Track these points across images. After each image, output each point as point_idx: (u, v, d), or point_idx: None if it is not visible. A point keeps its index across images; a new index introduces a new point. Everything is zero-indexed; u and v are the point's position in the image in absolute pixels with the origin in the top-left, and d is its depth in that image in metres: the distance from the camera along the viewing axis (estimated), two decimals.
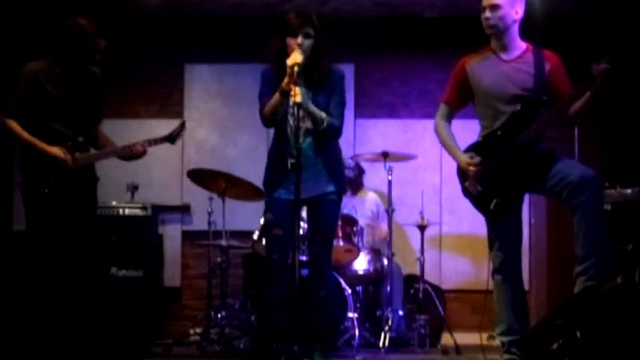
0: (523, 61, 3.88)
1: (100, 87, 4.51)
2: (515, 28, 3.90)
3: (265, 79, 4.01)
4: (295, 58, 3.74)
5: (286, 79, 3.77)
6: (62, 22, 4.40)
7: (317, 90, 3.98)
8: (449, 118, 4.11)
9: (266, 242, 4.16)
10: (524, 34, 3.96)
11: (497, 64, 3.91)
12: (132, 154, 4.42)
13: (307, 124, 3.95)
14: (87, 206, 4.42)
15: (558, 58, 3.91)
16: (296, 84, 3.72)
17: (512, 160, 3.80)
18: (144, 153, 4.47)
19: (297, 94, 3.68)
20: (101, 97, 4.53)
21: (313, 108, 3.92)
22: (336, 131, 4.01)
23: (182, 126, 4.57)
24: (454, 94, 4.06)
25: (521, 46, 3.92)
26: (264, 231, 4.16)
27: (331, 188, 4.02)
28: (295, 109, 3.76)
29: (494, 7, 3.82)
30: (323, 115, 3.93)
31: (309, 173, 3.88)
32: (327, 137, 3.99)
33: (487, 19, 3.85)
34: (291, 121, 3.94)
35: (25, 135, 4.23)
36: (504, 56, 3.91)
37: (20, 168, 4.31)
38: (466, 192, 3.98)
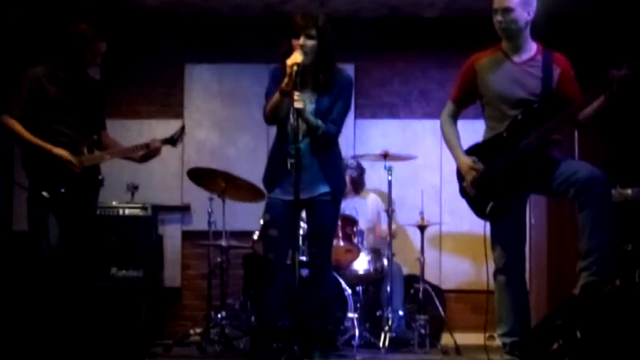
0: (533, 65, 3.85)
1: (101, 92, 4.56)
2: (527, 30, 3.87)
3: (272, 77, 4.02)
4: (295, 58, 3.76)
5: (286, 79, 3.78)
6: (62, 24, 4.42)
7: (322, 92, 3.98)
8: (455, 116, 4.09)
9: (262, 242, 4.17)
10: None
11: (508, 66, 3.88)
12: (148, 150, 4.46)
13: (299, 121, 3.95)
14: (89, 208, 4.44)
15: (568, 62, 3.89)
16: (296, 85, 3.73)
17: (514, 164, 3.79)
18: (159, 150, 4.51)
19: (298, 100, 3.69)
20: (103, 102, 4.56)
21: (310, 116, 3.91)
22: (331, 138, 4.02)
23: (182, 130, 4.65)
24: (462, 93, 4.04)
25: (532, 47, 3.89)
26: (262, 231, 4.18)
27: (328, 189, 4.02)
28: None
29: (507, 10, 3.78)
30: (319, 122, 3.94)
31: (306, 174, 3.87)
32: (323, 143, 4.00)
33: (500, 22, 3.80)
34: (292, 120, 3.95)
35: (30, 136, 4.25)
36: (515, 58, 3.88)
37: (25, 170, 4.31)
38: (463, 192, 3.98)
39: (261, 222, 4.76)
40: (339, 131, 4.06)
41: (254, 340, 4.22)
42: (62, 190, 4.23)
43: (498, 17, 3.80)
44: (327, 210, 4.07)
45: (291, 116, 3.94)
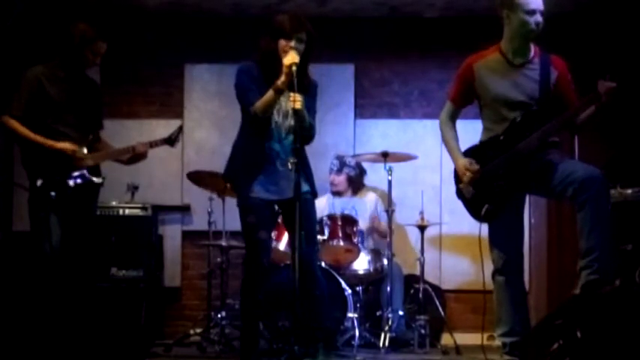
0: (531, 68, 3.87)
1: (99, 93, 4.57)
2: None
3: (249, 76, 3.99)
4: (292, 58, 3.77)
5: (283, 78, 3.79)
6: (62, 24, 4.43)
7: (302, 93, 3.96)
8: (454, 117, 4.10)
9: (251, 246, 4.11)
10: None
11: (507, 69, 3.88)
12: (134, 153, 4.47)
13: (290, 121, 3.96)
14: (89, 208, 4.45)
15: (565, 64, 3.91)
16: (292, 86, 3.73)
17: (511, 166, 3.80)
18: (145, 154, 4.51)
19: (298, 101, 3.70)
20: (101, 103, 4.57)
21: (307, 115, 3.92)
22: (314, 136, 4.07)
23: (180, 129, 4.67)
24: (459, 94, 4.05)
25: (530, 50, 3.90)
26: (247, 234, 4.08)
27: (307, 188, 4.02)
28: (286, 107, 3.81)
29: (542, 13, 3.79)
30: (313, 121, 3.99)
31: (287, 172, 3.82)
32: (306, 140, 4.00)
33: (538, 23, 3.78)
34: (276, 115, 3.95)
35: (31, 134, 4.25)
36: (514, 61, 3.89)
37: (26, 170, 4.32)
38: (459, 194, 3.99)
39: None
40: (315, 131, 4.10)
41: (244, 345, 4.18)
42: (52, 194, 4.23)
43: (538, 18, 3.78)
44: (311, 208, 4.08)
45: (275, 112, 3.94)
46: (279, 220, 4.57)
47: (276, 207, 4.13)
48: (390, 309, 5.32)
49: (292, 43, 3.88)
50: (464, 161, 3.93)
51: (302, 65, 3.90)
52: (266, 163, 3.96)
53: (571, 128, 3.96)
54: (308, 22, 3.99)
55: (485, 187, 3.86)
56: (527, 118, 3.80)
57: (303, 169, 3.96)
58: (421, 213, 5.64)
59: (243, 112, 4.05)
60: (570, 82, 3.90)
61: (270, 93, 3.86)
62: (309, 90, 4.01)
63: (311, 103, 4.03)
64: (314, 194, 4.11)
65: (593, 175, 3.66)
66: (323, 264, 5.20)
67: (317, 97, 4.12)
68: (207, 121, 6.62)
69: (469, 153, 3.98)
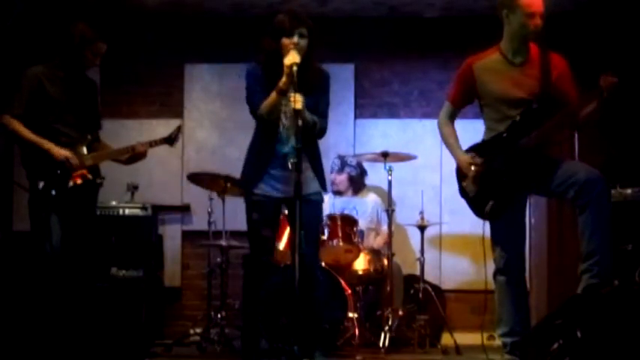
0: (531, 66, 3.87)
1: (97, 93, 4.57)
2: None
3: (255, 78, 4.00)
4: (293, 57, 3.75)
5: (284, 79, 3.77)
6: (62, 24, 4.43)
7: (307, 91, 3.96)
8: (453, 117, 4.10)
9: (254, 243, 4.12)
10: None
11: (506, 68, 3.89)
12: (133, 153, 4.47)
13: (298, 121, 3.94)
14: (89, 207, 4.45)
15: (565, 62, 3.91)
16: (294, 85, 3.73)
17: (513, 163, 3.80)
18: (145, 153, 4.52)
19: (298, 101, 3.68)
20: (98, 103, 4.57)
21: (308, 115, 3.90)
22: (324, 132, 4.04)
23: (178, 129, 4.69)
24: (459, 94, 4.05)
25: (530, 49, 3.90)
26: (251, 231, 4.10)
27: (317, 188, 4.01)
28: (292, 109, 3.77)
29: (543, 16, 3.80)
30: (315, 118, 3.95)
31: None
32: (315, 138, 4.00)
33: (537, 25, 3.79)
34: (283, 118, 3.95)
35: (31, 135, 4.25)
36: (514, 60, 3.89)
37: (26, 169, 4.32)
38: (463, 192, 3.99)
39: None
40: (327, 125, 4.07)
41: (245, 342, 4.19)
42: (52, 192, 4.23)
43: (537, 20, 3.78)
44: (317, 209, 4.07)
45: (282, 115, 3.93)
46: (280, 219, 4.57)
47: (283, 207, 4.13)
48: (390, 309, 5.32)
49: (295, 39, 3.86)
50: (466, 156, 3.93)
51: (306, 61, 3.90)
52: (274, 165, 3.94)
53: (572, 124, 3.96)
54: (307, 17, 3.96)
55: (489, 183, 3.85)
56: (528, 115, 3.80)
57: (314, 165, 3.97)
58: (421, 213, 5.64)
59: (252, 115, 4.05)
60: (571, 79, 3.89)
61: (273, 95, 3.86)
62: (320, 83, 4.00)
63: (322, 95, 4.01)
64: (324, 189, 4.06)
65: (594, 177, 3.66)
66: (323, 264, 5.19)
67: (329, 87, 4.07)
68: (207, 121, 6.62)
69: (472, 150, 3.98)
